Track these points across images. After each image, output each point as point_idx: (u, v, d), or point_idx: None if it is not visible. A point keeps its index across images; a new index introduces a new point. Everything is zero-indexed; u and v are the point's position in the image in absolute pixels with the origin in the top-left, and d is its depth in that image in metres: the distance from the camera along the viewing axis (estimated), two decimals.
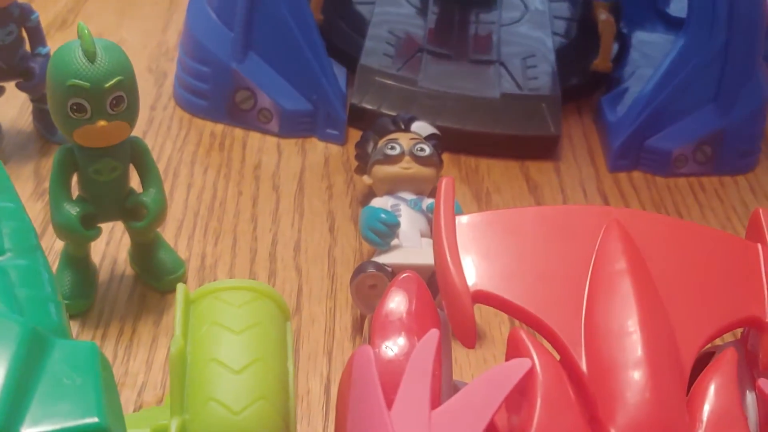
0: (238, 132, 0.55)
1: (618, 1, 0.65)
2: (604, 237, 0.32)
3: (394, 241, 0.45)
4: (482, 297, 0.31)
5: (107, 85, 0.37)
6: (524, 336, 0.30)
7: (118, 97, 0.38)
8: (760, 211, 0.34)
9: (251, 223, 0.49)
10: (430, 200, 0.48)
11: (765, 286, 0.33)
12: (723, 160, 0.57)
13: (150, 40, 0.64)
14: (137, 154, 0.41)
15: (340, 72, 0.58)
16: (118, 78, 0.38)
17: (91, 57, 0.37)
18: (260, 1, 0.53)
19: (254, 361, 0.31)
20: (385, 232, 0.44)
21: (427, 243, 0.45)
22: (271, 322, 0.33)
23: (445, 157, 0.55)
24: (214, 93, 0.55)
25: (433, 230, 0.33)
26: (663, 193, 0.56)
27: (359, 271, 0.43)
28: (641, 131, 0.56)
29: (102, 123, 0.38)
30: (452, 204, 0.33)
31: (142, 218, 0.41)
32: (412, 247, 0.45)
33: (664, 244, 0.33)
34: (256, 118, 0.55)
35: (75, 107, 0.37)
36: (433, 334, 0.30)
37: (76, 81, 0.37)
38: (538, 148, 0.57)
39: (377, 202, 0.47)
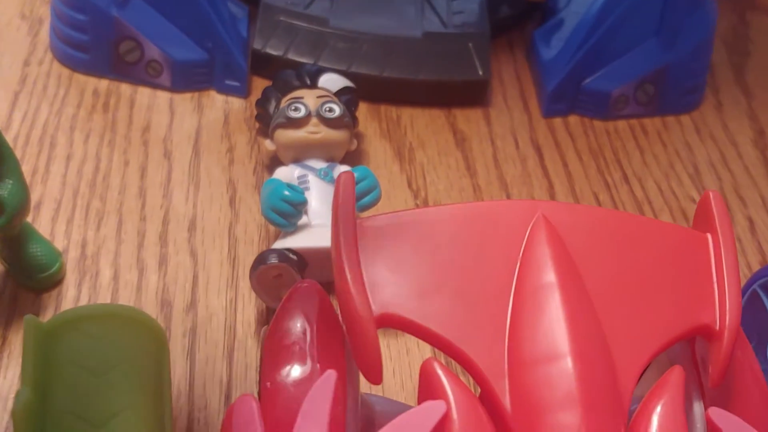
0: (125, 88, 0.49)
1: None
2: (529, 240, 0.27)
3: (302, 220, 0.40)
4: (389, 320, 0.26)
5: None
6: (439, 370, 0.26)
7: None
8: (711, 194, 0.29)
9: (139, 199, 0.43)
10: (343, 167, 0.42)
11: (715, 286, 0.28)
12: (666, 98, 0.52)
13: None
14: None
15: (240, 12, 0.51)
16: None
17: None
18: None
19: (120, 411, 0.26)
20: (289, 211, 0.39)
21: None
22: (143, 355, 0.28)
23: (364, 107, 0.49)
24: (95, 44, 0.48)
25: (331, 238, 0.27)
26: (601, 139, 0.51)
27: (259, 261, 0.37)
28: (578, 71, 0.51)
29: None
30: (352, 206, 0.28)
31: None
32: (322, 226, 0.39)
33: (599, 242, 0.28)
34: (144, 71, 0.48)
35: None
36: (329, 377, 0.25)
37: None
38: (465, 93, 0.51)
39: (281, 173, 0.42)
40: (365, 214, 0.40)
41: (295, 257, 0.38)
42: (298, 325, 0.28)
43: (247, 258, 0.41)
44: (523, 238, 0.27)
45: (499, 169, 0.48)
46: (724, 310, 0.28)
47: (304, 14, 0.51)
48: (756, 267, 0.44)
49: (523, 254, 0.27)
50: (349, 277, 0.26)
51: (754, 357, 0.30)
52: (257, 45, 0.50)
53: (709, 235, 0.29)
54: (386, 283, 0.26)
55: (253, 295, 0.39)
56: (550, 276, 0.27)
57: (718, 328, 0.27)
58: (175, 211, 0.42)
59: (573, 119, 0.52)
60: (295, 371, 0.27)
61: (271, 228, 0.42)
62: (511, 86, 0.53)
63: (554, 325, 0.26)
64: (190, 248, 0.41)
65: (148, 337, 0.28)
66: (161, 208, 0.43)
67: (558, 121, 0.51)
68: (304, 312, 0.28)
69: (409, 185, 0.46)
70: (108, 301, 0.38)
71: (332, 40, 0.50)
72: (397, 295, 0.26)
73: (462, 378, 0.26)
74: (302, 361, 0.27)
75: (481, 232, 0.27)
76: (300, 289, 0.29)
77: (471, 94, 0.51)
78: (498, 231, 0.28)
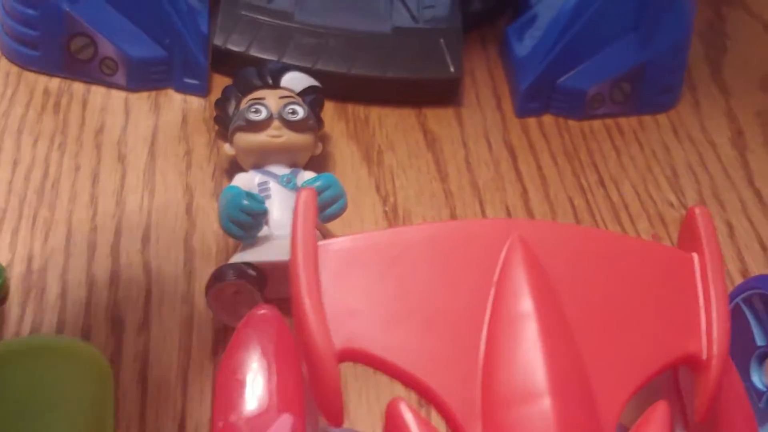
0: (78, 87, 0.46)
1: None
2: (505, 264, 0.25)
3: (263, 231, 0.37)
4: (352, 355, 0.24)
5: None
6: (405, 411, 0.23)
7: None
8: (697, 211, 0.27)
9: (90, 207, 0.40)
10: (307, 174, 0.40)
11: (702, 311, 0.27)
12: (643, 97, 0.51)
13: None
14: None
15: (200, 5, 0.48)
16: None
17: None
18: None
19: None
20: (249, 222, 0.36)
21: None
22: (83, 395, 0.25)
23: (330, 106, 0.47)
24: (45, 41, 0.45)
25: (289, 264, 0.25)
26: (577, 140, 0.49)
27: (215, 279, 0.35)
28: (552, 69, 0.49)
29: None
30: (312, 226, 0.25)
31: None
32: (284, 238, 0.37)
33: (579, 265, 0.26)
34: (98, 69, 0.46)
35: None
36: (285, 423, 0.23)
37: None
38: (436, 92, 0.49)
39: (240, 180, 0.39)
40: (331, 224, 0.38)
41: (254, 273, 0.35)
42: (253, 357, 0.26)
43: (204, 271, 0.38)
44: (498, 262, 0.25)
45: (471, 173, 0.46)
46: (712, 339, 0.26)
47: (267, 8, 0.48)
48: (737, 276, 0.43)
49: (498, 280, 0.25)
50: (308, 307, 0.24)
51: (740, 382, 0.29)
52: (218, 41, 0.47)
53: (695, 255, 0.27)
54: (350, 314, 0.24)
55: (210, 311, 0.37)
56: (527, 304, 0.25)
57: (705, 357, 0.26)
58: (128, 221, 0.40)
59: (547, 119, 0.50)
60: (249, 409, 0.25)
61: (231, 240, 0.40)
62: (483, 84, 0.51)
63: (531, 359, 0.24)
64: (144, 261, 0.39)
65: (89, 372, 0.26)
66: (113, 218, 0.40)
67: (532, 121, 0.49)
68: (260, 342, 0.26)
69: (378, 190, 0.44)
70: (54, 321, 0.35)
71: (297, 36, 0.48)
72: (362, 326, 0.24)
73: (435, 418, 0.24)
74: (258, 399, 0.25)
75: (453, 255, 0.25)
76: (256, 316, 0.27)
77: (442, 93, 0.49)
78: (471, 254, 0.25)
